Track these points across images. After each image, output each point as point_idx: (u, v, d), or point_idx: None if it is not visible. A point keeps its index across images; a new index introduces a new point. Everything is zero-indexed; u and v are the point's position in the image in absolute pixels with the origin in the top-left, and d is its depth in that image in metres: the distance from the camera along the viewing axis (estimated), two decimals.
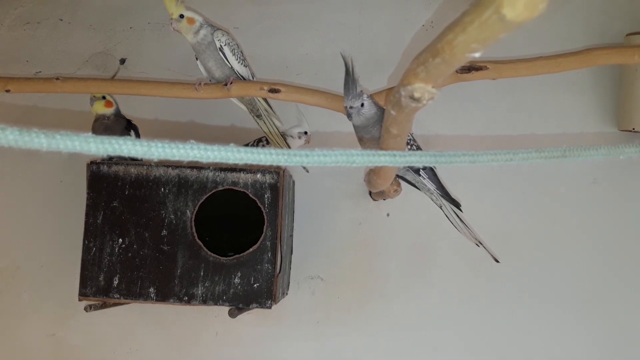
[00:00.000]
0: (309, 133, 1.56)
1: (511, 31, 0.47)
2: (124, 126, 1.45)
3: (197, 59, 1.37)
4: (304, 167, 1.62)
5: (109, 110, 1.44)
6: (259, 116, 1.48)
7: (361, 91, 1.09)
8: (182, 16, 1.30)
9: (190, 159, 0.50)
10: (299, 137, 1.56)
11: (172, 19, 1.30)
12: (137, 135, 1.49)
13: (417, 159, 0.62)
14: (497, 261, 1.46)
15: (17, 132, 0.44)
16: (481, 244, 1.40)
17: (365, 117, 1.10)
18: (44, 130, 0.44)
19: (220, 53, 1.33)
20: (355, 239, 1.66)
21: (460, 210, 1.33)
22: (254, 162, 0.53)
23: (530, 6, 0.42)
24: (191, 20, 1.31)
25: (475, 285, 1.63)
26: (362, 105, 1.09)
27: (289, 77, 1.67)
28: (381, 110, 1.12)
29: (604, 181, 1.65)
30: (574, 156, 0.65)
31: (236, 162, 0.52)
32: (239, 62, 1.36)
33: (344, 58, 1.06)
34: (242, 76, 1.37)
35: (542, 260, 1.63)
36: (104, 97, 1.43)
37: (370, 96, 1.12)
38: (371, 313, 1.63)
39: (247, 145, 1.57)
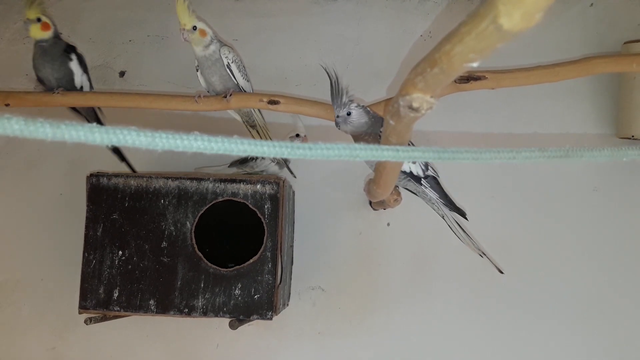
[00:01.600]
0: (301, 135, 1.56)
1: (508, 41, 0.47)
2: (63, 49, 1.40)
3: (197, 69, 1.37)
4: (291, 172, 1.61)
5: (47, 34, 1.37)
6: (253, 126, 1.49)
7: (350, 100, 1.11)
8: (194, 28, 1.29)
9: (194, 149, 0.50)
10: (292, 141, 1.56)
11: (184, 29, 1.29)
12: (79, 59, 1.44)
13: (420, 155, 0.62)
14: (502, 272, 1.44)
15: (22, 121, 0.44)
16: (485, 254, 1.39)
17: (354, 126, 1.13)
18: (49, 120, 0.44)
19: (227, 70, 1.34)
20: (356, 249, 1.66)
21: (466, 219, 1.32)
22: (258, 154, 0.53)
23: (527, 16, 0.42)
24: (203, 33, 1.30)
25: (477, 294, 1.63)
26: (349, 114, 1.11)
27: (288, 89, 1.67)
28: (374, 119, 1.13)
29: (604, 189, 1.65)
30: (577, 156, 0.65)
31: (239, 153, 0.52)
32: (243, 78, 1.37)
33: (326, 70, 1.09)
34: (244, 90, 1.38)
35: (544, 269, 1.62)
36: (39, 20, 1.34)
37: (364, 106, 1.14)
38: (372, 323, 1.63)
39: (235, 162, 1.57)
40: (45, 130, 0.44)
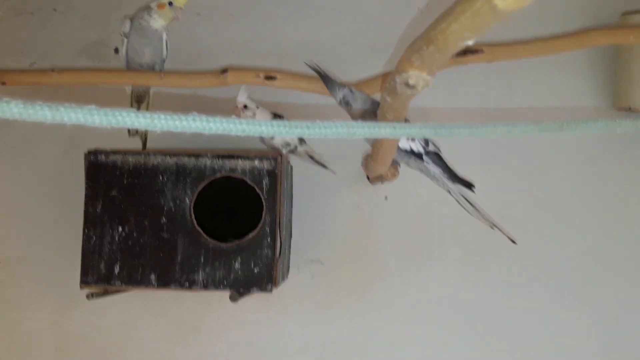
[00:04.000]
0: (240, 106, 1.40)
1: (503, 20, 0.47)
2: None
3: (125, 37, 1.39)
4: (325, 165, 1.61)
5: None
6: (140, 102, 1.52)
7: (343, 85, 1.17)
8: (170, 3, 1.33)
9: (192, 130, 0.51)
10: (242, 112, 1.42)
11: (181, 8, 1.31)
12: None
13: (417, 131, 0.63)
14: (514, 242, 1.43)
15: (21, 104, 0.44)
16: (495, 226, 1.39)
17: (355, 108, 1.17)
18: (48, 103, 0.45)
19: (163, 43, 1.39)
20: (354, 222, 1.67)
21: (473, 191, 1.32)
22: (256, 134, 0.54)
23: None
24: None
25: (476, 264, 1.65)
26: (351, 91, 1.16)
27: (284, 64, 1.66)
28: (371, 101, 1.15)
29: (599, 160, 1.65)
30: (572, 129, 0.66)
31: (238, 133, 0.53)
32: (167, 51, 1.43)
33: (314, 68, 1.16)
34: (164, 62, 1.43)
35: (541, 239, 1.64)
36: None
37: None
38: (371, 295, 1.65)
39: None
40: (44, 112, 0.45)
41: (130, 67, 1.41)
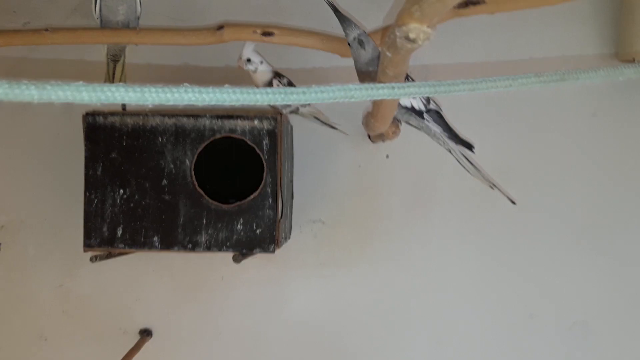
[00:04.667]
0: (243, 58, 1.37)
1: None
2: None
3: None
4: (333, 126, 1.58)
5: None
6: (116, 61, 1.48)
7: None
8: None
9: (185, 102, 0.50)
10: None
11: None
12: None
13: (416, 90, 0.62)
14: (514, 203, 1.42)
15: (6, 84, 0.43)
16: (495, 186, 1.39)
17: (367, 52, 1.09)
18: (34, 82, 0.43)
19: (136, 1, 1.34)
20: (355, 181, 1.67)
21: (473, 152, 1.31)
22: (250, 103, 0.53)
23: None
24: None
25: (477, 222, 1.65)
26: (365, 33, 1.08)
27: (281, 18, 1.63)
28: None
29: (603, 114, 1.64)
30: (573, 79, 0.64)
31: (232, 103, 0.51)
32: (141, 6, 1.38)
33: (328, 2, 1.06)
34: (138, 19, 1.38)
35: (543, 196, 1.64)
36: None
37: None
38: (373, 253, 1.66)
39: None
40: (30, 92, 0.44)
41: (105, 26, 1.38)
